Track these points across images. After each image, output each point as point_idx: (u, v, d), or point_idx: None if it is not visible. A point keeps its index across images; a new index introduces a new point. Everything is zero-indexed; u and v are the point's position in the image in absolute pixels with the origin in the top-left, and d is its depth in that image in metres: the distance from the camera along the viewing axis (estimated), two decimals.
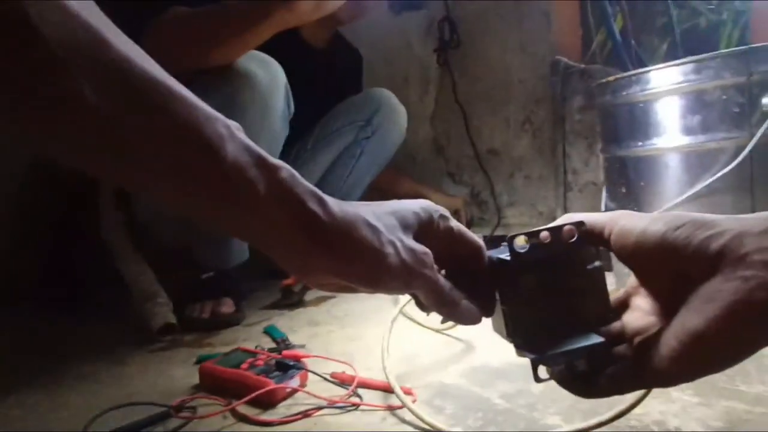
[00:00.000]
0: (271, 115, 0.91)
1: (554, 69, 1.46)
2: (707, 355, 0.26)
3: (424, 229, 0.33)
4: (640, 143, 0.93)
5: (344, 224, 0.30)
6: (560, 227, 0.32)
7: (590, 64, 1.48)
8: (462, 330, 0.75)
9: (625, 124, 0.97)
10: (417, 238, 0.33)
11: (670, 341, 0.27)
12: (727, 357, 0.26)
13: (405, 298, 0.65)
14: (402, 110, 1.33)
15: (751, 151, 0.77)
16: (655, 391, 0.53)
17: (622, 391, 0.32)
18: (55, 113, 0.24)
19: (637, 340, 0.31)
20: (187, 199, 0.28)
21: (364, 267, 0.30)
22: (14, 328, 1.02)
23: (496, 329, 0.35)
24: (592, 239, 0.32)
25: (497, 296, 0.34)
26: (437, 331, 0.78)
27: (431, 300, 0.33)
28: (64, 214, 1.18)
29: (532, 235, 0.32)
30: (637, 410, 0.49)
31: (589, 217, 0.33)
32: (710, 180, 0.82)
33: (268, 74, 0.91)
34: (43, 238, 1.18)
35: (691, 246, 0.26)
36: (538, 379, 0.31)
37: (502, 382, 0.58)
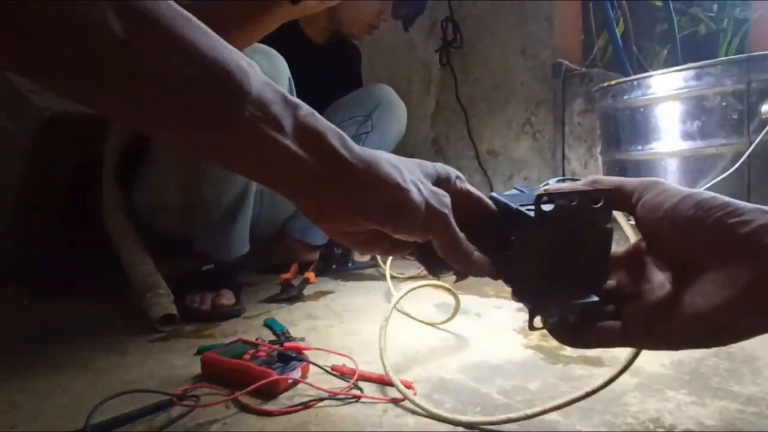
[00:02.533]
0: None
1: (555, 72, 1.47)
2: (709, 334, 0.28)
3: (442, 185, 0.34)
4: (639, 147, 0.94)
5: (366, 160, 0.30)
6: (589, 193, 0.32)
7: (591, 68, 1.49)
8: (457, 325, 0.76)
9: (624, 128, 0.98)
10: None
11: (676, 316, 0.28)
12: (725, 339, 0.27)
13: (399, 294, 0.66)
14: (402, 105, 1.34)
15: (749, 158, 0.79)
16: (651, 390, 0.54)
17: (606, 345, 0.33)
18: (81, 44, 0.23)
19: (636, 304, 0.31)
20: (207, 135, 0.27)
21: (386, 200, 0.30)
22: (12, 313, 1.02)
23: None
24: (617, 204, 0.33)
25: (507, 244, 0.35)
26: (432, 325, 0.78)
27: (448, 245, 0.33)
28: (67, 198, 1.17)
29: (559, 197, 0.32)
30: (633, 408, 0.50)
31: (619, 182, 0.33)
32: (707, 185, 0.83)
33: (272, 66, 0.91)
34: (45, 223, 1.18)
35: (717, 231, 0.27)
36: (532, 328, 0.33)
37: (500, 378, 0.59)
